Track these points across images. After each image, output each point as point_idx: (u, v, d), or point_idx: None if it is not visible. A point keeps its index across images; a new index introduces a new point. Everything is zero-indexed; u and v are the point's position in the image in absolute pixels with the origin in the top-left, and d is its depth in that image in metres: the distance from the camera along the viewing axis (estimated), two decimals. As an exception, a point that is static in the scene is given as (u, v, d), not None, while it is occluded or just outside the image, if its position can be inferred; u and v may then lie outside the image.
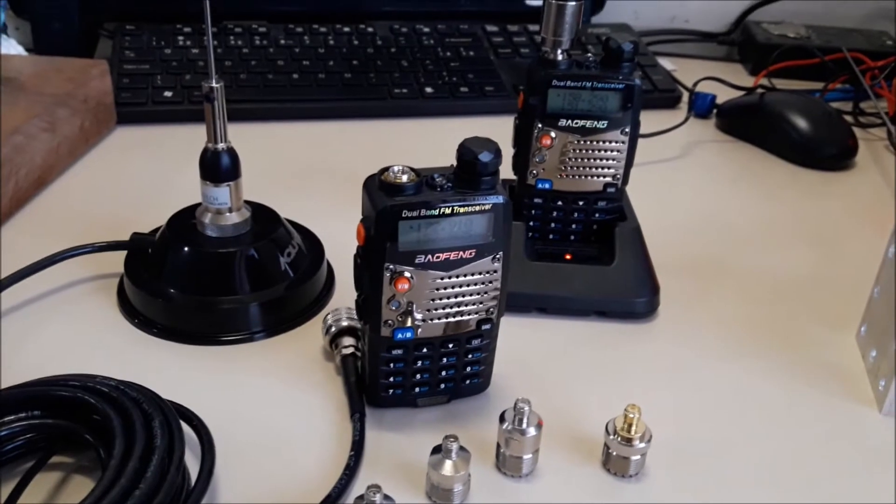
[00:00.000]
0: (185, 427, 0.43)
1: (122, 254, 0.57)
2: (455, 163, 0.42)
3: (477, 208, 0.41)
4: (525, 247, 0.57)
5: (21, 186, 0.66)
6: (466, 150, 0.41)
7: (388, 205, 0.41)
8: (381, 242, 0.42)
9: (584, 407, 0.49)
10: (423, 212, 0.41)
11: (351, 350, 0.50)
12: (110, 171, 0.72)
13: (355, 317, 0.50)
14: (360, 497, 0.39)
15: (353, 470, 0.43)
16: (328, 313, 0.52)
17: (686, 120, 0.83)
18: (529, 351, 0.54)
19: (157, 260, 0.55)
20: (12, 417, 0.41)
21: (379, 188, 0.41)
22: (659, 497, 0.44)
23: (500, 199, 0.42)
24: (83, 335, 0.53)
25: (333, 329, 0.51)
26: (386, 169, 0.42)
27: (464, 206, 0.41)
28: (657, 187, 0.73)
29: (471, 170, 0.41)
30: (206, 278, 0.54)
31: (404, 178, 0.41)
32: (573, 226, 0.58)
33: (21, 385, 0.43)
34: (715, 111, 0.87)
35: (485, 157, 0.41)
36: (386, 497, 0.39)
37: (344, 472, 0.43)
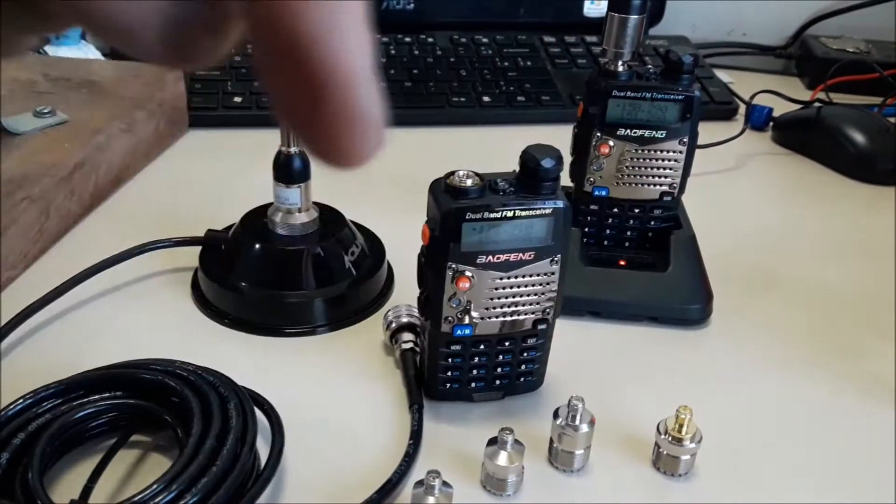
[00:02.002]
0: (257, 411, 0.45)
1: (197, 249, 0.60)
2: (517, 168, 0.44)
3: (537, 212, 0.43)
4: (580, 252, 0.59)
5: (100, 184, 0.69)
6: (529, 156, 0.43)
7: (453, 207, 0.43)
8: (445, 243, 0.44)
9: (635, 408, 0.51)
10: (485, 215, 0.43)
11: (410, 345, 0.52)
12: (183, 172, 0.75)
13: (415, 313, 0.52)
14: (420, 482, 0.42)
15: (412, 457, 0.45)
16: (389, 310, 0.54)
17: (742, 132, 0.84)
18: (582, 353, 0.55)
19: (230, 255, 0.58)
20: (97, 397, 0.44)
21: (444, 191, 0.43)
22: (707, 497, 0.46)
23: (559, 204, 0.44)
24: (160, 323, 0.56)
25: (394, 325, 0.53)
26: (452, 173, 0.44)
27: (525, 209, 0.43)
28: (712, 198, 0.74)
29: (533, 175, 0.43)
30: (275, 274, 0.57)
31: (469, 182, 0.43)
32: (628, 233, 0.60)
33: (106, 367, 0.46)
34: (771, 124, 0.87)
35: (547, 163, 0.43)
36: (444, 483, 0.41)
37: (403, 458, 0.45)
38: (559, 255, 0.45)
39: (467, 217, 0.43)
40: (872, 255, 0.68)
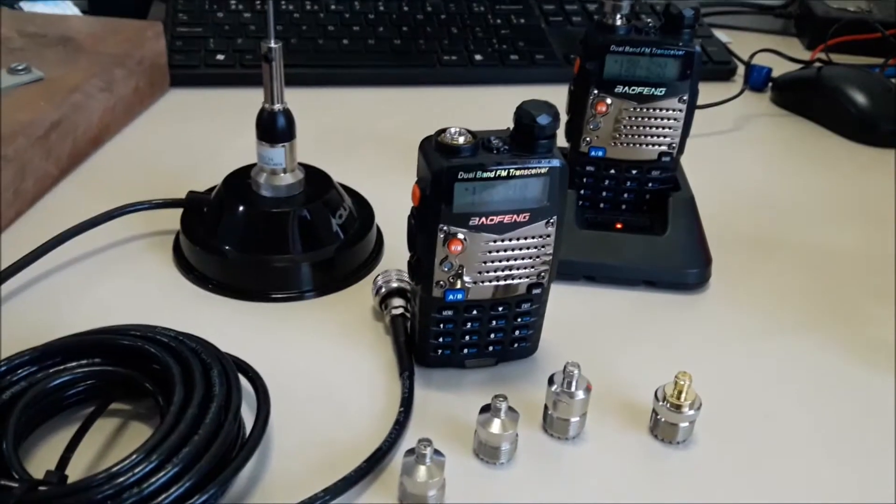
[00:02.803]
0: (241, 379, 0.44)
1: (178, 211, 0.58)
2: (512, 125, 0.42)
3: (533, 171, 0.41)
4: (576, 215, 0.57)
5: (78, 145, 0.67)
6: (524, 113, 0.41)
7: (445, 166, 0.41)
8: (436, 203, 0.42)
9: (632, 374, 0.49)
10: (478, 174, 0.41)
11: (400, 311, 0.50)
12: (164, 132, 0.73)
13: (405, 278, 0.51)
14: (411, 451, 0.40)
15: (402, 425, 0.44)
16: (378, 274, 0.52)
17: (741, 93, 0.82)
18: (577, 318, 0.54)
19: (213, 218, 0.56)
20: (75, 364, 0.43)
21: (435, 149, 0.41)
22: (705, 465, 0.44)
23: (556, 163, 0.42)
24: (140, 289, 0.54)
25: (383, 290, 0.51)
26: (443, 130, 0.42)
27: (520, 168, 0.41)
28: (710, 160, 0.72)
29: (528, 132, 0.41)
30: (260, 237, 0.55)
31: (461, 139, 0.41)
32: (625, 195, 0.58)
33: (84, 333, 0.44)
34: (770, 84, 0.85)
35: (543, 119, 0.41)
36: (436, 451, 0.40)
37: (394, 427, 0.44)
38: (555, 217, 0.43)
39: (459, 176, 0.41)
40: (874, 218, 0.67)
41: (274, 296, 0.54)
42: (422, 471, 0.40)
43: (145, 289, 0.54)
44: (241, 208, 0.55)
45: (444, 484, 0.41)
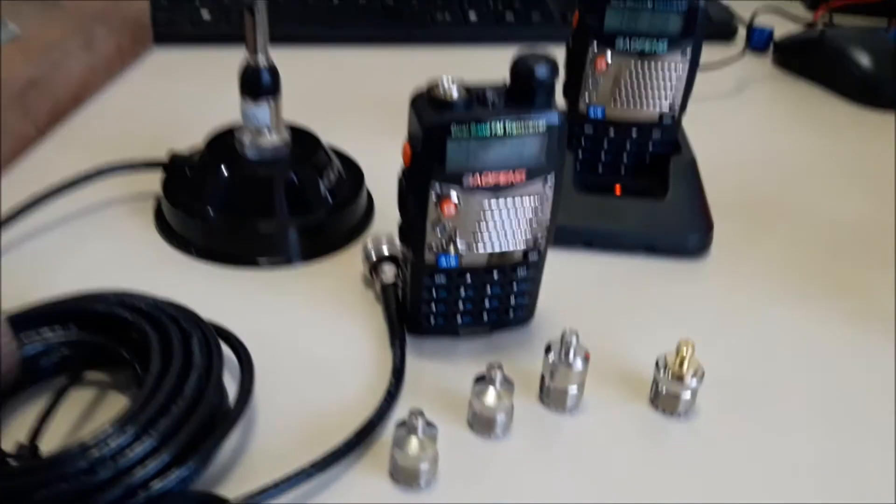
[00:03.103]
0: (224, 348, 0.42)
1: (160, 173, 0.56)
2: (508, 79, 0.40)
3: (530, 127, 0.39)
4: (573, 178, 0.55)
5: (57, 105, 0.64)
6: (521, 64, 0.38)
7: (437, 121, 0.39)
8: (428, 161, 0.40)
9: (631, 343, 0.48)
10: (472, 129, 0.39)
11: (392, 278, 0.48)
12: (148, 92, 0.70)
13: (396, 244, 0.48)
14: (402, 422, 0.38)
15: (393, 396, 0.42)
16: (369, 240, 0.50)
17: (742, 54, 0.79)
18: (575, 286, 0.52)
19: (196, 180, 0.54)
20: (47, 331, 0.41)
21: (427, 104, 0.39)
22: (708, 437, 0.43)
23: (554, 119, 0.39)
24: (120, 254, 0.52)
25: (374, 256, 0.49)
26: (435, 83, 0.39)
27: (516, 123, 0.39)
28: (711, 123, 0.70)
29: (525, 85, 0.39)
30: (245, 200, 0.53)
31: (454, 93, 0.39)
32: (625, 157, 0.56)
33: (57, 300, 0.42)
34: (772, 46, 0.83)
35: (541, 71, 0.38)
36: (428, 423, 0.38)
37: (384, 397, 0.42)
38: (553, 176, 0.41)
39: (452, 132, 0.39)
40: (878, 183, 0.65)
41: (260, 262, 0.52)
42: (413, 443, 0.38)
43: (125, 254, 0.52)
44: (224, 170, 0.53)
45: (436, 457, 0.39)
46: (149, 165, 0.56)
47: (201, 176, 0.54)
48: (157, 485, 0.34)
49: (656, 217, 0.54)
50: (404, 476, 0.39)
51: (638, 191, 0.56)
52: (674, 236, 0.54)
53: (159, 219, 0.55)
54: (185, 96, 0.70)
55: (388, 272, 0.48)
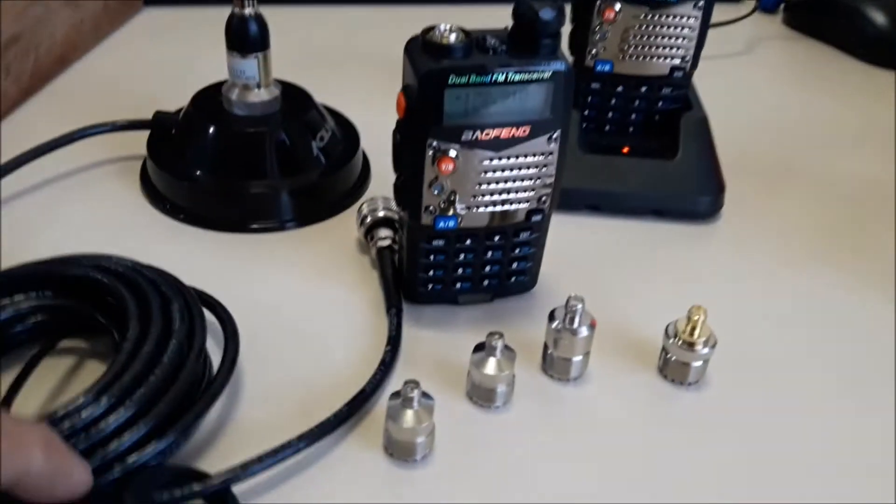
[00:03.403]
0: (208, 315, 0.40)
1: (145, 135, 0.53)
2: (510, 23, 0.37)
3: (535, 76, 0.36)
4: (579, 137, 0.53)
5: (41, 64, 0.62)
6: (525, 7, 0.36)
7: (434, 68, 0.36)
8: (425, 114, 0.37)
9: (639, 310, 0.45)
10: (472, 78, 0.36)
11: (388, 242, 0.46)
12: (136, 52, 0.68)
13: (393, 207, 0.46)
14: (396, 393, 0.36)
15: (388, 365, 0.40)
16: (364, 203, 0.48)
17: (752, 12, 0.76)
18: (580, 251, 0.50)
19: (182, 140, 0.51)
20: (21, 297, 0.38)
21: (423, 50, 0.36)
22: (719, 408, 0.41)
23: (561, 66, 0.37)
24: (104, 218, 0.50)
25: (369, 219, 0.47)
26: (431, 28, 0.37)
27: (520, 72, 0.36)
28: (721, 82, 0.67)
29: (529, 30, 0.36)
30: (233, 160, 0.50)
31: (453, 38, 0.36)
32: (633, 115, 0.53)
33: (32, 264, 0.40)
34: (783, 6, 0.80)
35: (546, 14, 0.35)
36: (424, 394, 0.36)
37: (379, 367, 0.40)
38: (559, 132, 0.39)
39: (451, 81, 0.36)
40: (892, 144, 0.62)
41: (251, 226, 0.50)
42: (409, 416, 0.36)
43: (109, 218, 0.50)
44: (211, 128, 0.50)
45: (433, 429, 0.37)
46: (133, 126, 0.53)
47: (186, 135, 0.51)
48: (133, 458, 0.32)
49: (666, 178, 0.52)
50: (399, 450, 0.36)
51: (646, 151, 0.53)
52: (684, 198, 0.52)
53: (145, 181, 0.52)
54: (174, 57, 0.67)
55: (384, 236, 0.46)
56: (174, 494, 0.32)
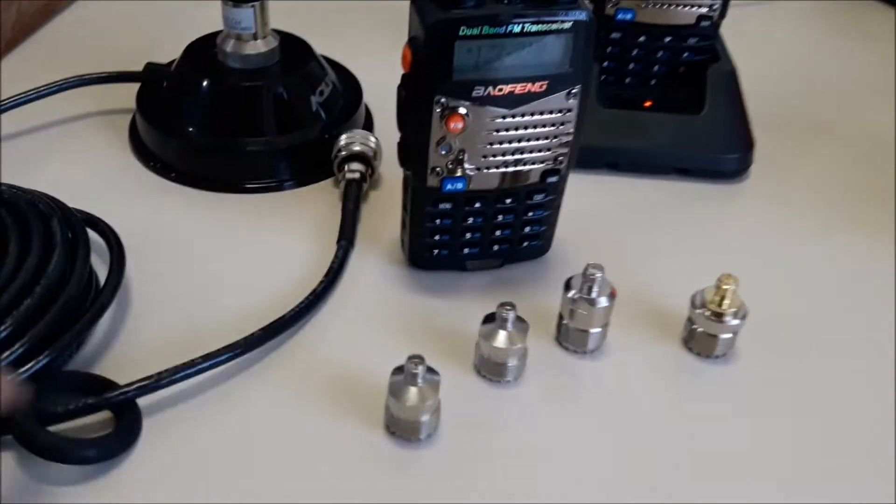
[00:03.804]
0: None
1: (135, 88, 0.50)
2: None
3: (553, 27, 0.33)
4: (597, 91, 0.49)
5: (25, 12, 0.58)
6: (542, -52, 0.32)
7: (443, 18, 0.33)
8: (432, 68, 0.34)
9: (661, 276, 0.42)
10: (485, 29, 0.33)
11: (357, 175, 0.45)
12: (125, 1, 0.64)
13: (371, 144, 0.46)
14: (399, 368, 0.33)
15: (319, 296, 0.39)
16: (345, 135, 0.46)
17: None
18: (597, 212, 0.47)
19: (173, 94, 0.48)
20: None
21: (431, -1, 0.33)
22: (748, 383, 0.38)
23: (581, 16, 0.33)
24: (88, 174, 0.47)
25: (343, 153, 0.46)
26: (440, -28, 0.33)
27: (537, 22, 0.33)
28: (750, 32, 0.63)
29: (546, -26, 0.32)
30: (228, 116, 0.47)
31: (463, -16, 0.33)
32: (656, 67, 0.50)
33: None
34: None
35: (566, -44, 0.32)
36: (429, 370, 0.33)
37: (308, 296, 0.39)
38: (578, 87, 0.35)
39: (461, 32, 0.33)
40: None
41: (245, 186, 0.47)
42: (412, 393, 0.33)
43: (94, 175, 0.47)
44: (204, 82, 0.47)
45: (438, 406, 0.34)
46: (122, 77, 0.50)
47: (178, 88, 0.48)
48: (21, 370, 0.32)
49: (691, 134, 0.49)
50: (402, 428, 0.34)
51: (671, 105, 0.50)
52: (710, 156, 0.49)
53: (134, 137, 0.49)
54: (166, 7, 0.63)
55: (354, 169, 0.45)
56: (80, 403, 0.32)
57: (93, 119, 0.51)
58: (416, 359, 0.33)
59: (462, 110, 0.35)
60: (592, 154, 0.48)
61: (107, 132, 0.50)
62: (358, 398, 0.36)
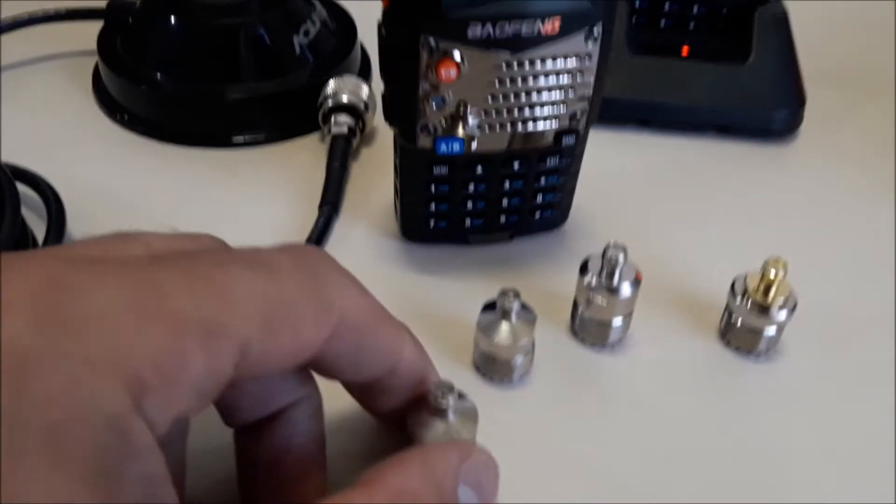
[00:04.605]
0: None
1: (96, 29, 0.44)
2: None
3: (569, -52, 0.27)
4: (626, 35, 0.42)
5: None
6: None
7: (429, -62, 0.26)
8: (415, 1, 0.27)
9: (695, 255, 0.36)
10: (483, -49, 0.26)
11: (344, 130, 0.39)
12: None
13: (363, 94, 0.40)
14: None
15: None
16: (332, 80, 0.40)
17: None
18: (623, 176, 0.40)
19: (139, 35, 0.42)
20: None
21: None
22: (795, 384, 0.32)
23: (606, -65, 0.27)
24: (45, 126, 0.41)
25: (330, 103, 0.40)
26: None
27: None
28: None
29: None
30: (201, 60, 0.41)
31: None
32: (695, 7, 0.43)
33: None
34: None
35: None
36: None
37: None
38: (600, 26, 0.29)
39: (451, -45, 0.26)
40: None
41: (222, 139, 0.41)
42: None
43: (52, 127, 0.41)
44: (173, 19, 0.41)
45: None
46: (82, 14, 0.44)
47: (144, 28, 0.42)
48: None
49: (733, 87, 0.42)
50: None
51: (711, 52, 0.43)
52: (756, 112, 0.42)
53: (97, 85, 0.44)
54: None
55: (341, 122, 0.40)
56: None
57: (50, 63, 0.45)
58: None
59: (456, 54, 0.28)
60: (619, 108, 0.42)
61: (66, 78, 0.44)
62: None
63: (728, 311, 0.33)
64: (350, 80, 0.40)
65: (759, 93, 0.42)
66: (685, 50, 0.43)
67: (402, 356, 0.25)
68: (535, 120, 0.31)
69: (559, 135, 0.32)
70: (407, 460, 0.22)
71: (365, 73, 0.45)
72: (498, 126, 0.31)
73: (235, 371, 0.20)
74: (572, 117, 0.32)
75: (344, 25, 0.45)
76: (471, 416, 0.27)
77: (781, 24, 0.43)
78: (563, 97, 0.31)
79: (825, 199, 0.40)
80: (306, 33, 0.42)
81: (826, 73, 0.46)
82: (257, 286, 0.20)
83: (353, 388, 0.26)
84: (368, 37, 0.45)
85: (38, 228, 0.34)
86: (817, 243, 0.38)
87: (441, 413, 0.26)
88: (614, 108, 0.40)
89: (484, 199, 0.34)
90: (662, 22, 0.44)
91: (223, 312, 0.19)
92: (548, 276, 0.35)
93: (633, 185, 0.40)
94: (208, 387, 0.19)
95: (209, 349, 0.19)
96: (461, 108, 0.30)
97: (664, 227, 0.38)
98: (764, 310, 0.31)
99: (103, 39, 0.43)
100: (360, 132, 0.40)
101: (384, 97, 0.31)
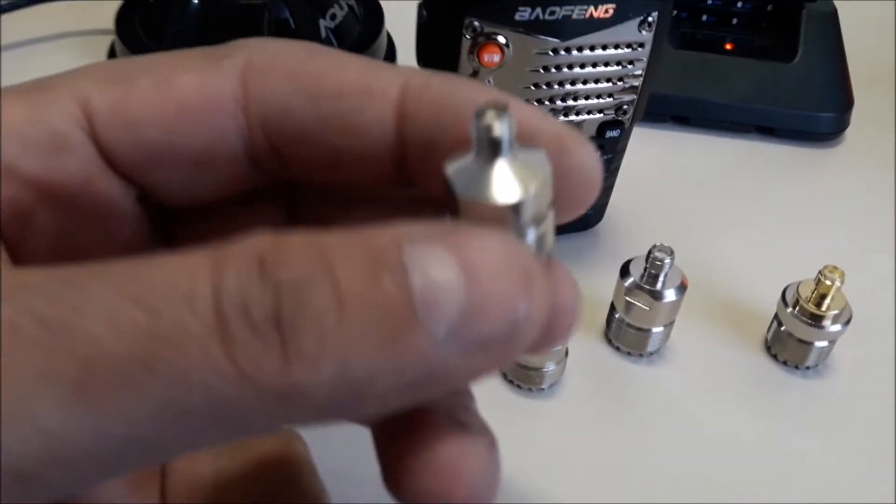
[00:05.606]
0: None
1: (114, 7, 0.42)
2: None
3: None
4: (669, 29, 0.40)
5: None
6: None
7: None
8: (462, -18, 0.26)
9: (737, 263, 0.34)
10: (535, -73, 0.24)
11: None
12: None
13: None
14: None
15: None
16: None
17: None
18: (661, 176, 0.39)
19: (158, 16, 0.41)
20: None
21: None
22: (845, 402, 0.30)
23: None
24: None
25: None
26: None
27: (607, -81, 0.25)
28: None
29: None
30: (224, 41, 0.39)
31: None
32: (740, 3, 0.41)
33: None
34: None
35: None
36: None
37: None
38: (656, 14, 0.27)
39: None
40: None
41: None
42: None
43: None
44: (195, 1, 0.39)
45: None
46: (99, -8, 0.42)
47: (165, 10, 0.40)
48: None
49: (778, 86, 0.40)
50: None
51: (756, 49, 0.41)
52: (801, 113, 0.40)
53: (113, 65, 0.42)
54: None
55: None
56: None
57: (66, 40, 0.43)
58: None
59: (501, 39, 0.27)
60: (659, 104, 0.39)
61: (78, 57, 0.42)
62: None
63: (776, 320, 0.31)
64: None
65: (805, 93, 0.40)
66: (728, 46, 0.41)
67: (377, 88, 0.16)
68: (578, 111, 0.29)
69: (603, 127, 0.30)
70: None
71: (391, 59, 0.43)
72: (538, 117, 0.29)
73: (91, 134, 0.16)
74: (618, 109, 0.30)
75: (371, 11, 0.43)
76: (539, 166, 0.14)
77: (830, 22, 0.41)
78: (610, 87, 0.29)
79: (872, 206, 0.38)
80: (332, 17, 0.40)
81: (874, 74, 0.44)
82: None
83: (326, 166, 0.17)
84: (395, 23, 0.44)
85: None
86: (865, 252, 0.36)
87: (492, 146, 0.14)
88: (653, 104, 0.38)
89: (518, 195, 0.32)
90: (705, 17, 0.42)
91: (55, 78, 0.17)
92: (581, 278, 0.33)
93: (672, 185, 0.38)
94: (41, 139, 0.16)
95: (32, 101, 0.17)
96: (500, 97, 0.29)
97: (704, 231, 0.36)
98: (816, 320, 0.29)
99: (122, 18, 0.42)
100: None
101: (420, 83, 0.29)
